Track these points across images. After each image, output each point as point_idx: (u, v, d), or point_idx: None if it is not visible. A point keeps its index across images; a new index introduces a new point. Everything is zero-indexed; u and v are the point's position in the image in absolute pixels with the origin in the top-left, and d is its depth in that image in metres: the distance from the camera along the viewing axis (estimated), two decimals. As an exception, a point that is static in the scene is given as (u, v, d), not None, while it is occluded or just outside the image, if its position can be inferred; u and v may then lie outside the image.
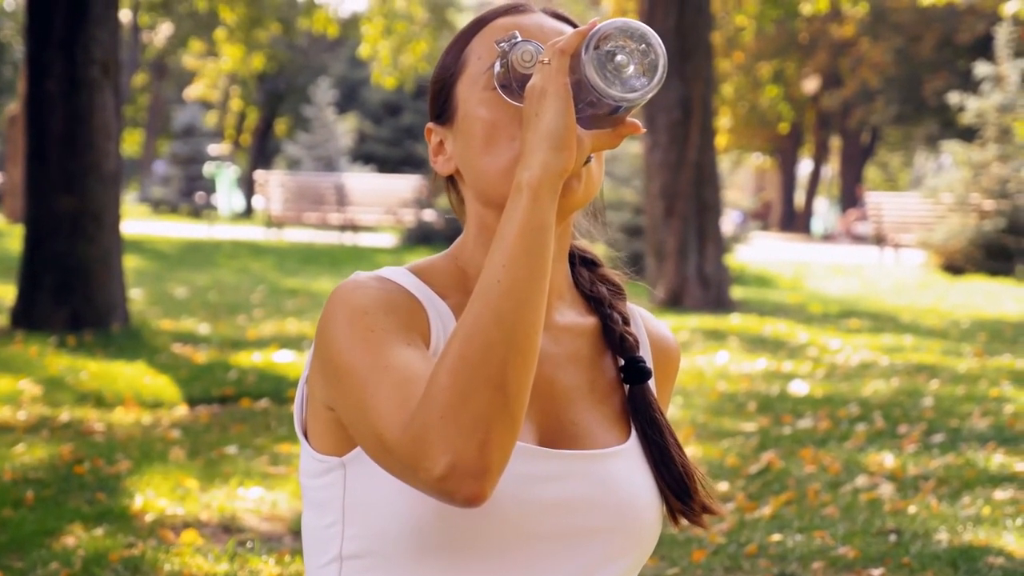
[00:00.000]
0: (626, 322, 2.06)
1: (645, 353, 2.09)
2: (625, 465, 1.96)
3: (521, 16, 1.97)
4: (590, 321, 2.04)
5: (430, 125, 2.02)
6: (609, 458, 1.95)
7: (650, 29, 1.76)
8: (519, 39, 1.87)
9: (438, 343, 1.88)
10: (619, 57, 1.75)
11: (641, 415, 2.01)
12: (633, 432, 2.01)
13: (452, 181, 2.03)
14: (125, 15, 31.06)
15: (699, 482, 2.03)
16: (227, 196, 38.35)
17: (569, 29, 1.96)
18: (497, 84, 1.89)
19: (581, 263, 2.10)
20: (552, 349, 1.98)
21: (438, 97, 2.01)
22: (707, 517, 2.04)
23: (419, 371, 1.76)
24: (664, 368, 2.13)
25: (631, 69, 1.76)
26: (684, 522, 2.03)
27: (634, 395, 2.03)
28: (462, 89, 1.95)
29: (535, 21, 1.96)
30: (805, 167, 56.87)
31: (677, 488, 2.00)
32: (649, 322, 2.14)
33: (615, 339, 2.03)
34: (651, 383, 2.05)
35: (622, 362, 2.04)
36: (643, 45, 1.76)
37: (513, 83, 1.87)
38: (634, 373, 2.02)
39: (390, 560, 1.87)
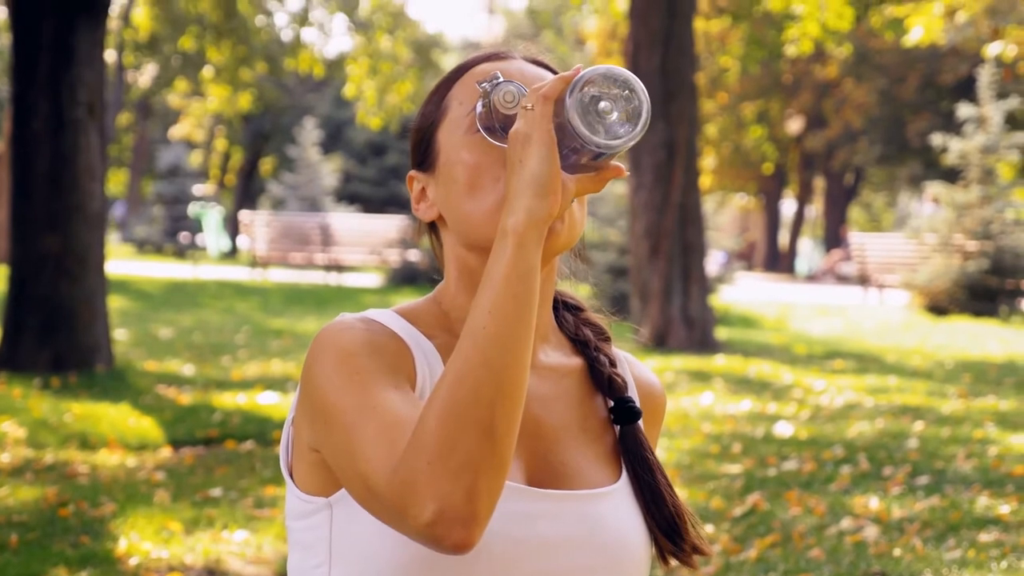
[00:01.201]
0: (613, 364, 2.07)
1: (632, 397, 2.09)
2: (615, 505, 1.96)
3: (502, 63, 1.98)
4: (576, 362, 2.05)
5: (412, 173, 2.02)
6: (599, 498, 1.95)
7: (633, 76, 1.75)
8: (501, 79, 1.87)
9: (424, 384, 1.88)
10: (603, 104, 1.75)
11: (632, 455, 2.01)
12: (623, 472, 2.01)
13: (433, 227, 2.03)
14: (110, 55, 31.08)
15: (690, 523, 2.03)
16: (215, 236, 38.30)
17: (550, 75, 1.97)
18: (480, 125, 1.89)
19: (564, 308, 2.11)
20: (538, 389, 1.98)
21: (420, 144, 2.01)
22: (696, 557, 2.04)
23: (405, 415, 1.75)
24: (651, 412, 2.13)
25: (615, 115, 1.75)
26: (674, 563, 2.03)
27: (625, 435, 2.03)
28: (443, 135, 1.95)
29: (516, 67, 1.97)
30: (789, 207, 56.98)
31: (668, 529, 2.00)
32: (635, 367, 2.14)
33: (603, 381, 2.04)
34: (640, 424, 2.06)
35: (611, 403, 2.04)
36: (626, 91, 1.76)
37: (496, 124, 1.87)
38: (624, 414, 2.02)
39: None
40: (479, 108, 1.89)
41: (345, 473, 1.79)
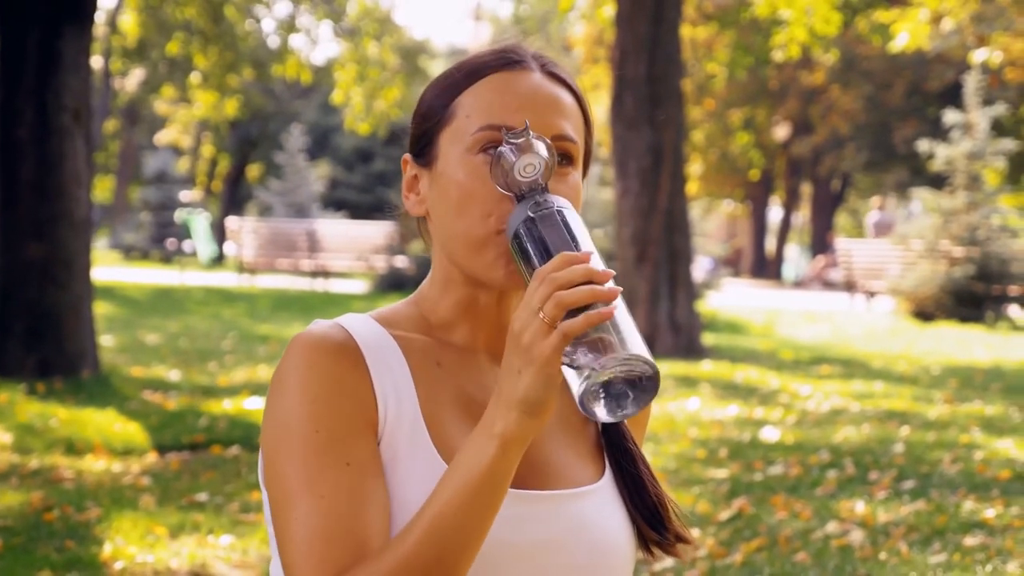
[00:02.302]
0: None
1: None
2: (599, 503, 1.96)
3: (516, 74, 1.93)
4: None
5: (407, 157, 2.00)
6: (583, 497, 1.95)
7: (654, 366, 1.66)
8: (524, 138, 1.81)
9: (386, 410, 1.86)
10: (617, 387, 1.67)
11: (614, 445, 2.01)
12: (607, 468, 2.01)
13: (425, 220, 2.02)
14: (96, 61, 31.07)
15: (672, 511, 2.02)
16: (205, 242, 38.21)
17: (565, 95, 1.94)
18: (491, 174, 1.84)
19: None
20: None
21: (421, 136, 1.98)
22: (682, 547, 2.04)
23: (347, 510, 1.77)
24: None
25: (624, 399, 1.69)
26: (659, 553, 2.03)
27: (606, 427, 2.03)
28: (445, 141, 1.92)
29: (530, 82, 1.92)
30: (776, 214, 57.03)
31: (650, 518, 2.00)
32: None
33: None
34: None
35: None
36: (643, 381, 1.68)
37: (506, 181, 1.82)
38: None
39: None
40: (496, 155, 1.83)
41: (276, 533, 1.82)
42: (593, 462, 2.01)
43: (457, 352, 1.96)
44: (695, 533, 6.72)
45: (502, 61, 1.95)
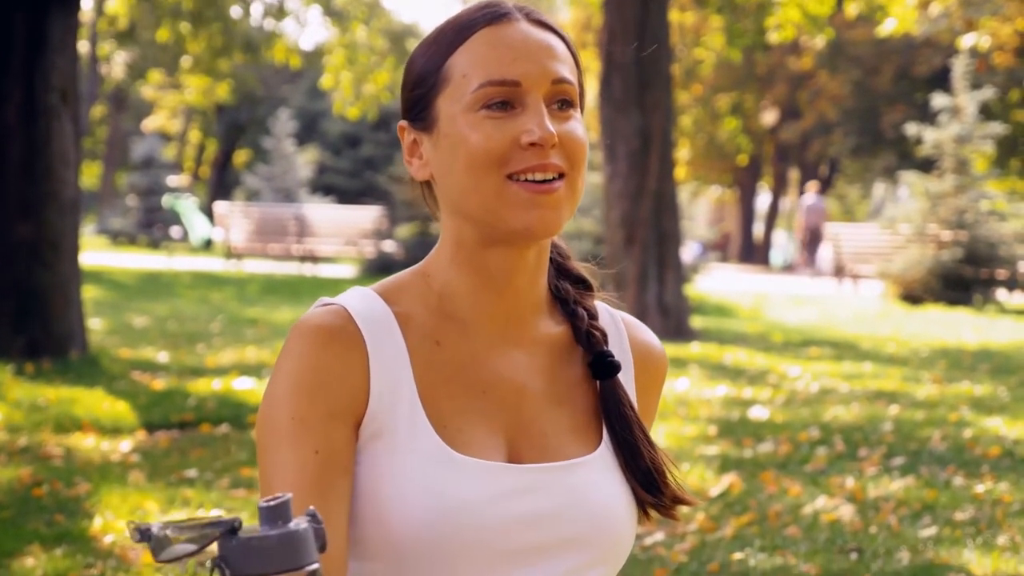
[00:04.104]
0: (593, 316, 2.04)
1: (627, 362, 2.06)
2: (595, 473, 1.95)
3: (504, 26, 1.91)
4: (564, 327, 2.03)
5: (403, 123, 1.98)
6: (579, 468, 1.94)
7: None
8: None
9: (380, 393, 1.87)
10: None
11: (611, 411, 1.99)
12: (605, 437, 1.99)
13: (428, 185, 2.00)
14: (83, 46, 30.99)
15: (670, 474, 2.01)
16: (201, 223, 37.99)
17: (555, 40, 1.93)
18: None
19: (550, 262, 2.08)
20: (525, 362, 1.97)
21: (416, 102, 1.96)
22: (680, 510, 2.04)
23: (306, 498, 1.79)
24: (649, 376, 2.10)
25: None
26: (656, 516, 2.02)
27: (604, 391, 2.00)
28: (444, 103, 1.91)
29: (520, 33, 1.91)
30: (764, 199, 57.06)
31: (646, 482, 1.98)
32: (632, 328, 2.11)
33: (582, 337, 2.01)
34: (628, 383, 2.04)
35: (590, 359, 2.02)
36: None
37: None
38: (602, 368, 2.00)
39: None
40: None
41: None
42: (591, 432, 1.99)
43: (459, 326, 1.95)
44: (683, 509, 6.71)
45: (488, 16, 1.93)
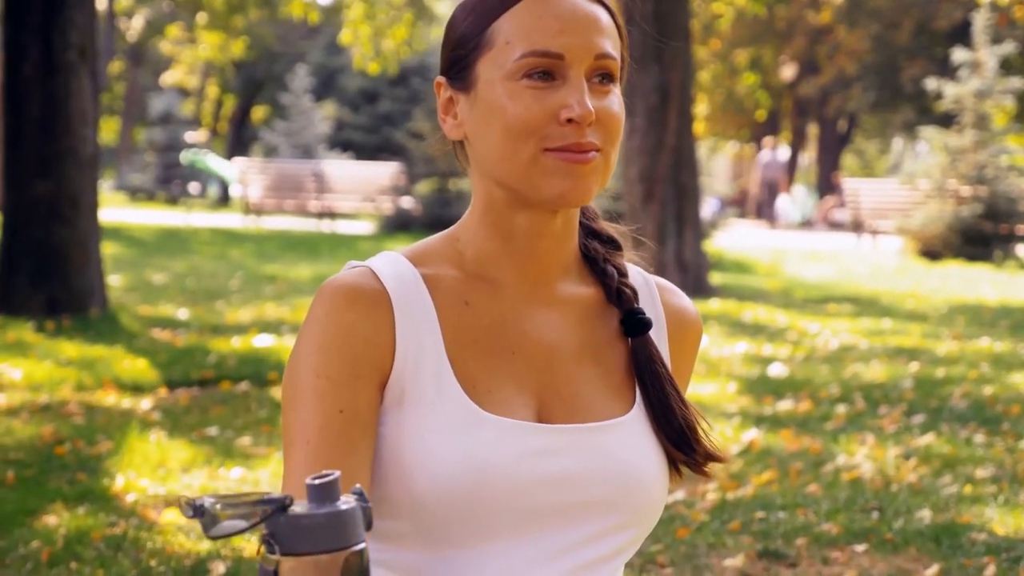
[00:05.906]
0: (623, 275, 2.03)
1: (659, 325, 2.05)
2: (628, 434, 1.94)
3: None
4: (595, 290, 2.02)
5: (441, 79, 1.96)
6: (610, 430, 1.93)
7: None
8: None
9: (407, 354, 1.87)
10: None
11: (643, 368, 1.98)
12: (638, 398, 1.98)
13: (461, 144, 1.99)
14: (101, 2, 30.96)
15: (702, 431, 2.01)
16: (224, 171, 37.72)
17: (600, 11, 1.90)
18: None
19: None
20: (555, 323, 1.96)
21: (456, 61, 1.94)
22: (713, 466, 2.03)
23: (328, 456, 1.79)
24: (683, 340, 2.10)
25: None
26: (688, 473, 2.01)
27: (636, 349, 1.99)
28: (484, 66, 1.89)
29: (568, 6, 1.88)
30: (782, 154, 56.89)
31: (678, 440, 1.97)
32: (666, 292, 2.10)
33: (612, 295, 2.01)
34: (661, 346, 2.03)
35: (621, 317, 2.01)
36: None
37: None
38: (633, 325, 1.99)
39: (388, 538, 1.88)
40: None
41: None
42: (624, 393, 1.98)
43: (487, 286, 1.95)
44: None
45: None
